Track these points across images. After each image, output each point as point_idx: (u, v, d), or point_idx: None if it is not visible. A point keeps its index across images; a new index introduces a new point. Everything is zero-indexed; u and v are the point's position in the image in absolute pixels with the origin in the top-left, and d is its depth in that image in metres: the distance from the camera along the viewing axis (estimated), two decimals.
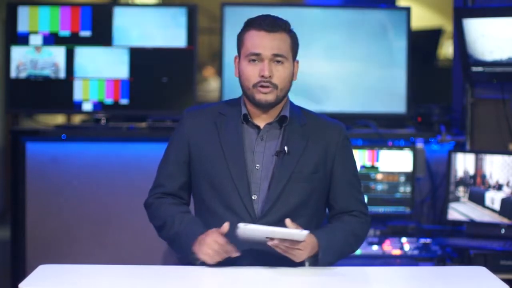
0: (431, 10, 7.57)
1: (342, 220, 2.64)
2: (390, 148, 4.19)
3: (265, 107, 2.58)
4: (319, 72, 4.41)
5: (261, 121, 2.62)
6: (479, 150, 4.19)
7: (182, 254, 2.55)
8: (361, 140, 4.28)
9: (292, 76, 2.61)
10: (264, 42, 2.54)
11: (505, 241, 3.89)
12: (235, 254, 2.47)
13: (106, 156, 4.45)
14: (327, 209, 2.72)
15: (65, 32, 4.37)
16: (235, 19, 4.33)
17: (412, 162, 4.18)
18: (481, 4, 4.23)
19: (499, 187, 4.00)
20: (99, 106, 4.38)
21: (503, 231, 3.98)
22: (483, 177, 4.03)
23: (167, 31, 4.38)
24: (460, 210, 4.07)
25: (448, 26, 6.19)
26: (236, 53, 2.65)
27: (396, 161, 4.18)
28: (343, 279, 2.40)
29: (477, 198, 4.04)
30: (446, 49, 6.76)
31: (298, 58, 2.64)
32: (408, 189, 4.19)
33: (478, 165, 4.05)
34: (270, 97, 2.56)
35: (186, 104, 4.15)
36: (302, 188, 2.59)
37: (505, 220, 3.97)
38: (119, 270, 2.50)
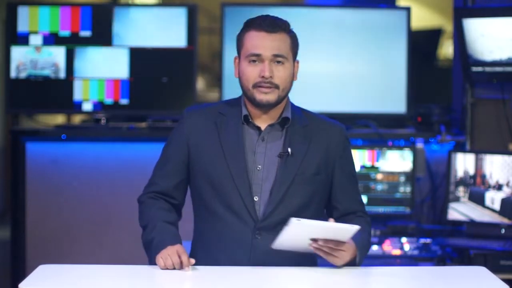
0: (431, 10, 7.58)
1: (356, 221, 2.63)
2: (390, 148, 4.19)
3: (266, 108, 2.58)
4: (319, 72, 4.41)
5: (262, 122, 2.61)
6: (479, 150, 4.19)
7: (150, 262, 2.52)
8: (361, 140, 4.28)
9: (293, 76, 2.61)
10: (264, 43, 2.54)
11: (505, 241, 3.89)
12: (187, 267, 2.43)
13: (106, 156, 4.46)
14: (326, 211, 2.71)
15: (65, 32, 4.37)
16: (235, 19, 4.33)
17: (412, 162, 4.18)
18: (481, 4, 4.23)
19: (499, 187, 4.00)
20: (99, 106, 4.38)
21: (503, 231, 3.98)
22: (483, 177, 4.03)
23: (167, 31, 4.38)
24: (460, 210, 4.07)
25: (448, 26, 6.19)
26: (235, 54, 2.64)
27: (396, 161, 4.18)
28: (343, 279, 2.40)
29: (477, 198, 4.04)
30: (446, 49, 6.76)
31: (298, 58, 2.64)
32: (408, 189, 4.19)
33: (478, 165, 4.05)
34: (271, 97, 2.55)
35: (186, 104, 4.15)
36: (305, 190, 2.58)
37: (505, 220, 3.97)
38: (119, 270, 2.50)
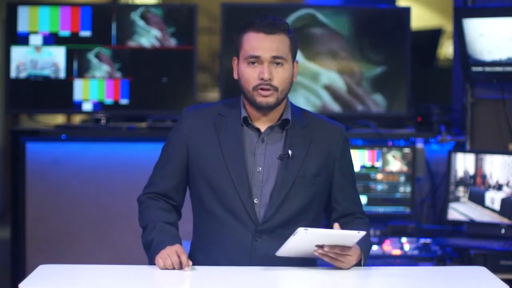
0: (431, 10, 7.57)
1: (356, 223, 2.63)
2: (390, 148, 4.19)
3: (265, 110, 2.57)
4: (319, 72, 4.41)
5: (262, 123, 2.59)
6: (479, 150, 4.19)
7: (150, 262, 2.52)
8: (361, 140, 4.28)
9: (292, 77, 2.59)
10: (263, 45, 2.52)
11: (505, 241, 3.89)
12: (186, 267, 2.43)
13: (106, 156, 4.46)
14: (324, 212, 2.71)
15: (65, 32, 4.37)
16: (235, 19, 4.33)
17: (412, 162, 4.18)
18: (481, 4, 4.23)
19: (499, 187, 3.99)
20: (99, 106, 4.38)
21: (503, 231, 3.98)
22: (483, 177, 4.03)
23: (167, 31, 4.38)
24: (460, 210, 4.07)
25: (448, 26, 6.19)
26: (235, 54, 2.63)
27: (396, 161, 4.18)
28: (343, 279, 2.39)
29: (477, 198, 4.04)
30: (446, 49, 6.76)
31: (297, 58, 2.63)
32: (408, 189, 4.19)
33: (478, 165, 4.05)
34: (270, 100, 2.54)
35: (186, 104, 4.14)
36: (305, 192, 2.57)
37: (505, 220, 3.97)
38: (119, 270, 2.50)
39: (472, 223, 4.06)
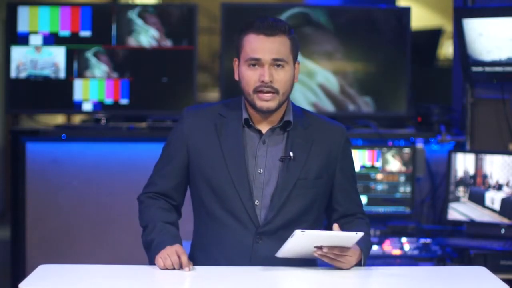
0: (431, 10, 7.58)
1: (356, 223, 2.63)
2: (390, 148, 4.19)
3: (266, 113, 2.56)
4: (318, 72, 4.41)
5: (263, 125, 2.58)
6: (479, 150, 4.19)
7: (150, 262, 2.52)
8: (361, 140, 4.28)
9: (293, 79, 2.58)
10: (263, 47, 2.50)
11: (505, 241, 3.89)
12: (186, 268, 2.43)
13: (106, 156, 4.46)
14: (325, 212, 2.70)
15: (65, 32, 4.37)
16: (235, 19, 4.32)
17: (412, 162, 4.18)
18: (481, 4, 4.23)
19: (499, 187, 3.99)
20: (99, 106, 4.38)
21: (503, 231, 3.98)
22: (483, 177, 4.03)
23: (167, 31, 4.38)
24: (460, 210, 4.07)
25: (448, 26, 6.19)
26: (235, 55, 2.62)
27: (396, 161, 4.18)
28: (343, 279, 2.39)
29: (477, 198, 4.04)
30: (446, 49, 6.76)
31: (298, 58, 2.62)
32: (408, 189, 4.19)
33: (478, 165, 4.05)
34: (271, 104, 2.52)
35: (186, 104, 4.14)
36: (306, 194, 2.57)
37: (505, 220, 3.97)
38: (119, 270, 2.49)
39: (472, 223, 4.06)
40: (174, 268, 2.41)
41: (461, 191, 4.07)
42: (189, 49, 4.39)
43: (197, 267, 2.47)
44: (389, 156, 4.19)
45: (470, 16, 4.05)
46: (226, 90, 4.37)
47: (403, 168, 4.19)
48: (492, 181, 4.01)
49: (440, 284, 2.40)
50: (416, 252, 3.92)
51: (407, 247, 3.95)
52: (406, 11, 4.45)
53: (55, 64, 4.36)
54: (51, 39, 4.36)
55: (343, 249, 2.42)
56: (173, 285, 2.36)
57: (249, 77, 2.52)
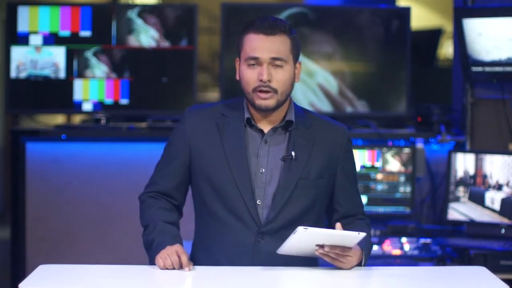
0: (431, 10, 7.58)
1: (357, 224, 2.63)
2: (390, 148, 4.19)
3: (266, 112, 2.56)
4: (322, 70, 4.41)
5: (265, 124, 2.58)
6: (479, 150, 4.19)
7: (150, 262, 2.52)
8: (361, 140, 4.28)
9: (294, 79, 2.58)
10: (262, 46, 2.50)
11: (505, 241, 3.89)
12: (187, 268, 2.43)
13: (106, 156, 4.46)
14: (326, 212, 2.70)
15: (65, 32, 4.37)
16: (235, 19, 4.33)
17: (412, 162, 4.18)
18: (481, 4, 4.23)
19: (499, 187, 4.00)
20: (99, 106, 4.38)
21: (503, 231, 3.98)
22: (483, 177, 4.03)
23: (167, 31, 4.38)
24: (460, 210, 4.07)
25: (448, 26, 6.19)
26: (236, 55, 2.62)
27: (396, 161, 4.18)
28: (344, 279, 2.39)
29: (477, 198, 4.04)
30: (446, 49, 6.76)
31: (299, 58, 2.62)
32: (408, 189, 4.19)
33: (478, 165, 4.05)
34: (270, 103, 2.52)
35: (186, 104, 4.15)
36: (308, 194, 2.57)
37: (505, 220, 3.97)
38: (119, 270, 2.49)
39: (472, 223, 4.06)
40: (174, 268, 2.42)
41: (461, 191, 4.07)
42: (189, 49, 4.39)
43: (197, 267, 2.47)
44: (389, 156, 4.19)
45: (470, 16, 4.05)
46: (226, 90, 4.37)
47: (403, 168, 4.19)
48: (492, 181, 4.01)
49: (440, 284, 2.40)
50: (416, 252, 3.92)
51: (407, 247, 3.95)
52: (406, 11, 4.45)
53: (55, 64, 4.36)
54: (51, 39, 4.36)
55: (345, 249, 2.42)
56: (173, 285, 2.36)
57: (248, 76, 2.52)
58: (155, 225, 2.54)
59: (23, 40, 4.35)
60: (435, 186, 4.39)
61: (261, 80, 2.50)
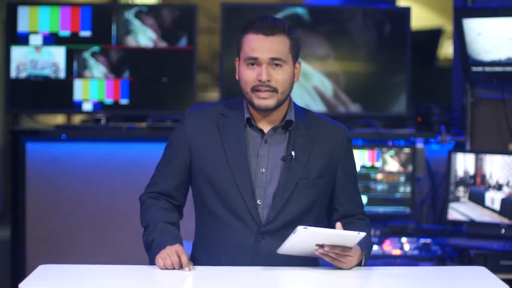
0: (431, 10, 7.58)
1: (357, 224, 2.63)
2: (390, 148, 4.19)
3: (265, 112, 2.56)
4: (319, 72, 4.41)
5: (265, 124, 2.58)
6: (479, 150, 4.19)
7: (151, 262, 2.52)
8: (361, 140, 4.28)
9: (293, 79, 2.58)
10: (261, 46, 2.50)
11: (505, 241, 3.90)
12: (187, 268, 2.43)
13: (106, 156, 4.46)
14: (326, 212, 2.70)
15: (65, 32, 4.37)
16: (235, 19, 4.33)
17: (412, 162, 4.18)
18: (481, 4, 4.23)
19: (499, 187, 4.00)
20: (99, 106, 4.38)
21: (503, 231, 3.99)
22: (483, 177, 4.03)
23: (164, 32, 4.38)
24: (460, 210, 4.07)
25: (448, 26, 6.19)
26: (236, 55, 2.62)
27: (396, 161, 4.18)
28: (344, 279, 2.40)
29: (477, 198, 4.04)
30: (446, 49, 6.76)
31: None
32: (408, 189, 4.19)
33: (478, 165, 4.05)
34: (270, 102, 2.52)
35: (186, 104, 4.15)
36: (308, 194, 2.57)
37: (505, 220, 3.97)
38: (119, 270, 2.50)
39: (472, 223, 4.06)
40: (174, 268, 2.42)
41: (461, 191, 4.07)
42: (189, 49, 4.39)
43: (197, 267, 2.47)
44: (389, 156, 4.19)
45: (470, 16, 4.05)
46: (226, 90, 4.37)
47: (403, 168, 4.19)
48: (492, 181, 4.01)
49: (440, 284, 2.40)
50: (416, 252, 3.92)
51: (407, 247, 3.95)
52: (406, 11, 4.45)
53: (55, 64, 4.36)
54: (51, 39, 4.36)
55: (345, 249, 2.42)
56: (173, 285, 2.36)
57: (248, 76, 2.52)
58: (155, 225, 2.54)
59: (23, 40, 4.35)
60: (435, 186, 4.39)
61: (260, 80, 2.50)
